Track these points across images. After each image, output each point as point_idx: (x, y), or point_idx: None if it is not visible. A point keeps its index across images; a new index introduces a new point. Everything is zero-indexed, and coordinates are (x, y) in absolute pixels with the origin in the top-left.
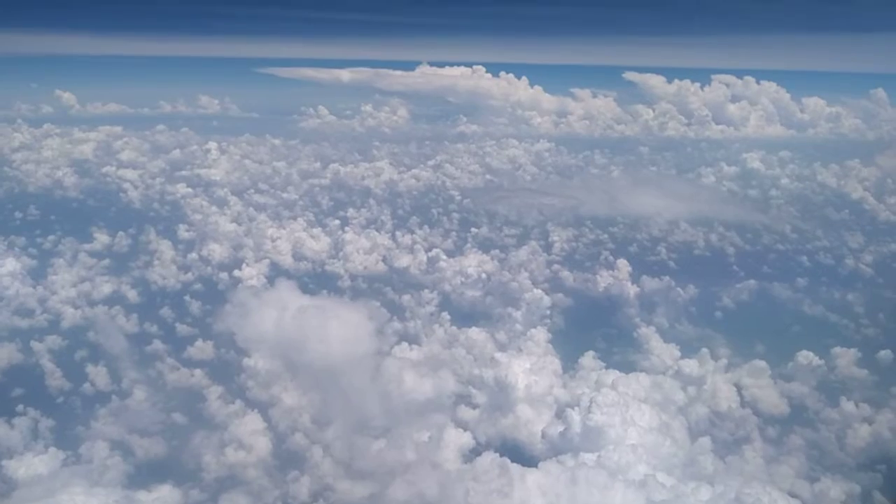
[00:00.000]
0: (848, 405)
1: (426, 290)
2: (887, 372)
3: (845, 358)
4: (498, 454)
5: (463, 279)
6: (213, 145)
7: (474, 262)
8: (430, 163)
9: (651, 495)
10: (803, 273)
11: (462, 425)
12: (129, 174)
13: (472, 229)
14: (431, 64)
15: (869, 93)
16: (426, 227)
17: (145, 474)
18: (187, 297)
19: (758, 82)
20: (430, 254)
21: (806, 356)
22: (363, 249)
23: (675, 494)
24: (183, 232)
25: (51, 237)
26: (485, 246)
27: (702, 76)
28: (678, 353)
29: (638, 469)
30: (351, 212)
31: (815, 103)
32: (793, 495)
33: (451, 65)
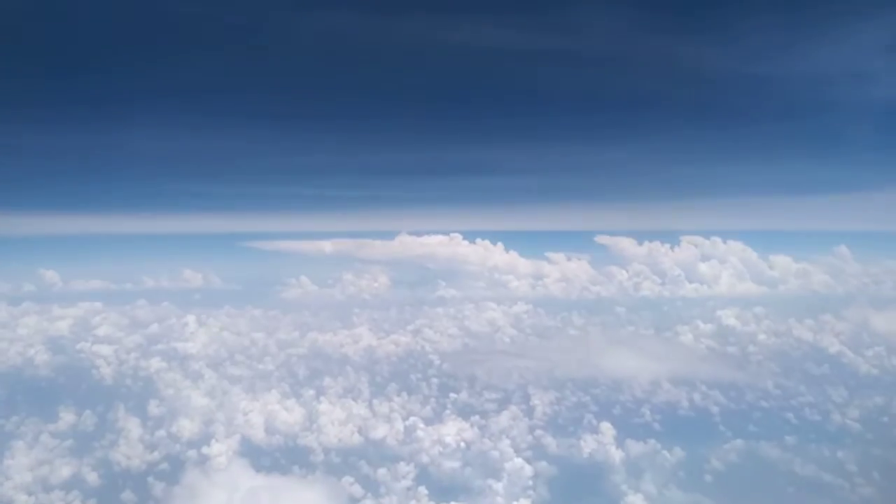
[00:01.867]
0: None
1: (402, 463)
2: None
3: None
4: None
5: (441, 449)
6: (190, 318)
7: (453, 430)
8: (410, 328)
9: None
10: (791, 430)
11: None
12: (104, 350)
13: (452, 394)
14: (410, 233)
15: (832, 249)
16: (404, 393)
17: None
18: (151, 479)
19: (724, 242)
20: (407, 422)
21: None
22: (338, 420)
23: None
24: (153, 408)
25: (14, 418)
26: (464, 412)
27: (671, 237)
28: None
29: None
30: (328, 381)
31: (782, 261)
32: None
33: (429, 233)
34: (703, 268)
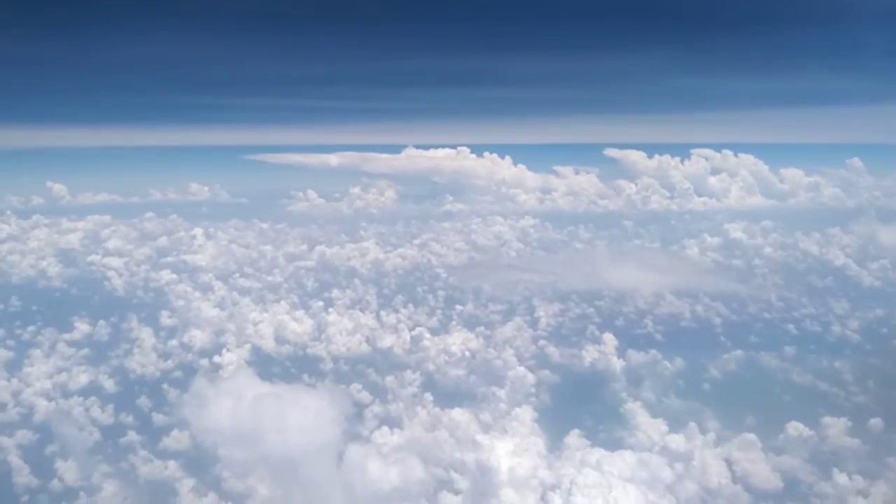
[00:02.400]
0: (841, 477)
1: (409, 371)
2: (879, 441)
3: (836, 427)
4: None
5: (447, 358)
6: (198, 231)
7: (459, 341)
8: (416, 241)
9: None
10: (791, 341)
11: None
12: (115, 262)
13: (458, 307)
14: (417, 146)
15: (846, 162)
16: (411, 305)
17: None
18: (165, 386)
19: (735, 155)
20: (413, 333)
21: (796, 427)
22: (346, 331)
23: None
24: (165, 319)
25: (30, 328)
26: (470, 323)
27: (681, 150)
28: (666, 428)
29: None
30: (336, 293)
31: (793, 174)
32: None
33: (437, 147)
34: (713, 181)
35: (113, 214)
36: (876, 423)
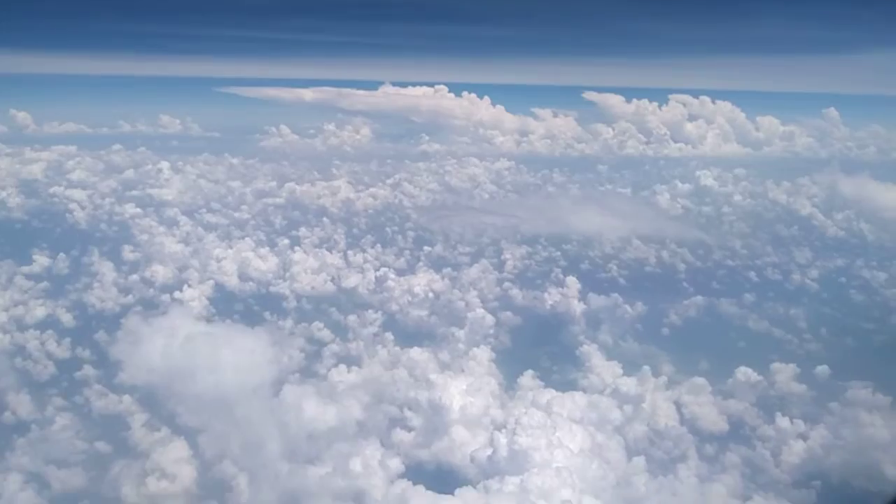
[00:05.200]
0: (783, 421)
1: (371, 311)
2: (824, 387)
3: (785, 373)
4: (411, 482)
5: (410, 299)
6: (165, 165)
7: (423, 281)
8: (389, 181)
9: None
10: (751, 289)
11: (395, 449)
12: (78, 194)
13: (426, 247)
14: (394, 84)
15: (822, 112)
16: (379, 245)
17: None
18: (125, 321)
19: (713, 102)
20: (378, 273)
21: (745, 372)
22: (311, 269)
23: None
24: (128, 253)
25: None
26: (437, 264)
27: (659, 96)
28: (619, 371)
29: (562, 493)
30: (303, 231)
31: (769, 122)
32: None
33: (414, 84)
34: (690, 127)
35: (79, 145)
36: (823, 370)
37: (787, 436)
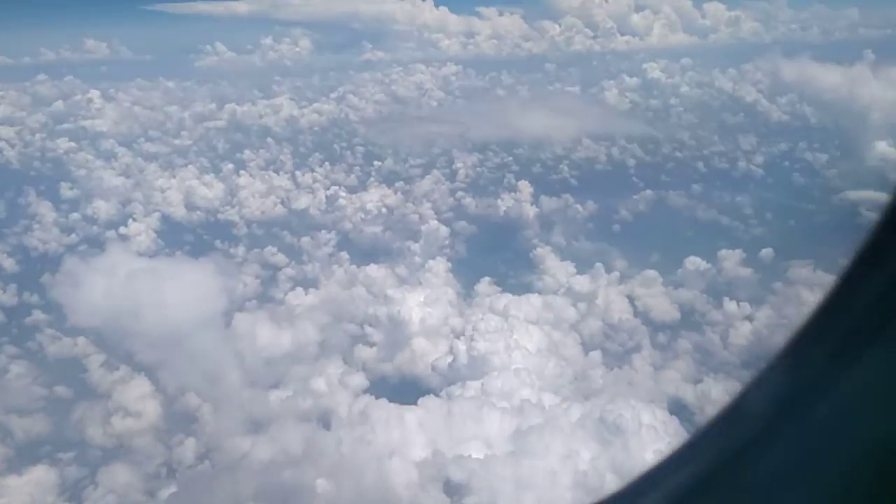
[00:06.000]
0: (731, 305)
1: (325, 231)
2: (768, 269)
3: (731, 260)
4: (374, 396)
5: (363, 216)
6: (95, 94)
7: (376, 197)
8: (334, 95)
9: (526, 420)
10: (699, 179)
11: (357, 365)
12: (6, 132)
13: (376, 162)
14: None
15: None
16: (328, 164)
17: (25, 456)
18: (67, 261)
19: None
20: (329, 192)
21: (693, 261)
22: (259, 193)
23: (549, 416)
24: (66, 190)
25: None
26: (388, 179)
27: None
28: (573, 270)
29: (521, 393)
30: (248, 154)
31: (715, 8)
32: (677, 399)
33: None
34: (636, 18)
35: (0, 78)
36: (767, 252)
37: (734, 319)
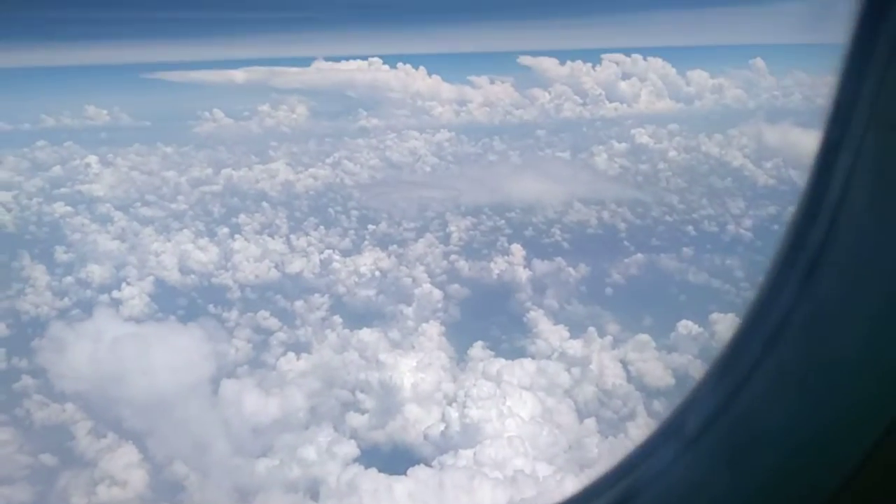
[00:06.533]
0: None
1: (318, 294)
2: None
3: (724, 323)
4: (363, 466)
5: (357, 279)
6: (93, 159)
7: (369, 261)
8: (329, 160)
9: (519, 491)
10: (689, 242)
11: (349, 433)
12: (3, 196)
13: (370, 226)
14: (327, 59)
15: (749, 63)
16: (322, 227)
17: None
18: (54, 327)
19: (645, 59)
20: (322, 256)
21: (686, 325)
22: (254, 257)
23: (543, 488)
24: (60, 254)
25: None
26: (382, 242)
27: (592, 56)
28: (567, 334)
29: (515, 463)
30: (243, 218)
31: (699, 76)
32: None
33: (348, 59)
34: (624, 86)
35: (0, 144)
36: None
37: None
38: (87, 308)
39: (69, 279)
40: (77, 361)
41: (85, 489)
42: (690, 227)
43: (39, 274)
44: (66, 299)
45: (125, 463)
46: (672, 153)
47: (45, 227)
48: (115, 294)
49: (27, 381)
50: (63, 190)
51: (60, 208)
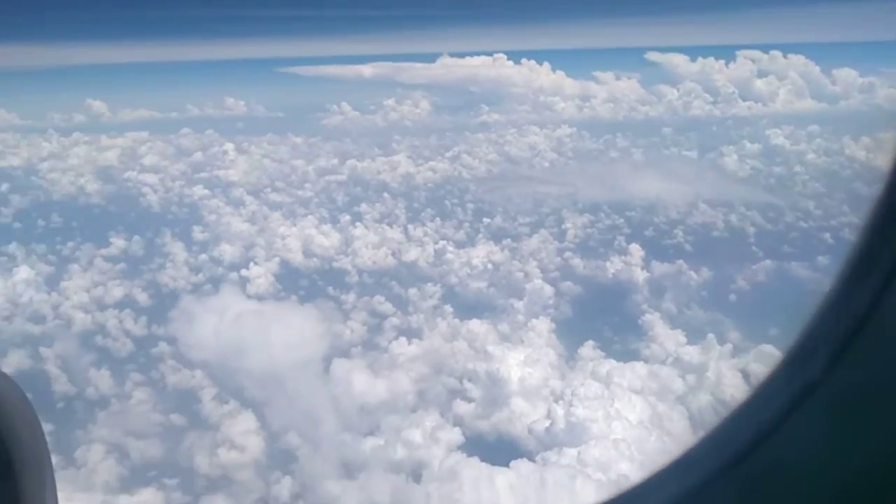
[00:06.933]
0: None
1: (431, 283)
2: None
3: None
4: (466, 454)
5: (469, 271)
6: (229, 146)
7: (483, 253)
8: (448, 154)
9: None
10: (825, 251)
11: (455, 420)
12: (150, 178)
13: (485, 219)
14: (452, 55)
15: None
16: (438, 219)
17: (137, 478)
18: (193, 298)
19: (785, 56)
20: (437, 246)
21: None
22: (372, 244)
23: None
24: (197, 233)
25: (70, 244)
26: (497, 236)
27: (726, 53)
28: (684, 340)
29: (619, 467)
30: (364, 207)
31: (846, 74)
32: None
33: (472, 55)
34: (759, 84)
35: (150, 131)
36: None
37: None
38: (217, 284)
39: (204, 256)
40: (206, 332)
41: (208, 450)
42: (828, 235)
43: (178, 250)
44: (200, 275)
45: (244, 429)
46: (811, 156)
47: (186, 208)
48: (244, 272)
49: (164, 347)
50: (202, 174)
51: (199, 191)
